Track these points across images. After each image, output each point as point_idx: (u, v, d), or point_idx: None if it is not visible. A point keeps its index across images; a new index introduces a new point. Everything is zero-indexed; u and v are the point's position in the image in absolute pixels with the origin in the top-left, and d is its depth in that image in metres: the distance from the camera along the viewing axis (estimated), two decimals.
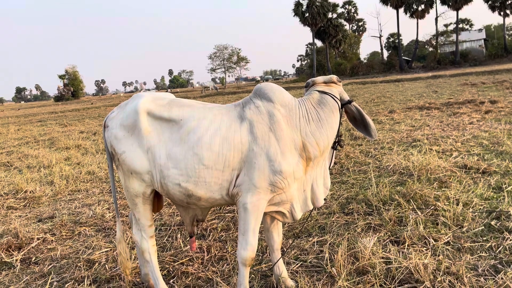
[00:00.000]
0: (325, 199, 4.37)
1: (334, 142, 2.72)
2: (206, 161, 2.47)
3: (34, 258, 3.87)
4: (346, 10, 70.52)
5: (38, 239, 4.26)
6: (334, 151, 2.79)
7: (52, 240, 4.28)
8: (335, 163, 6.44)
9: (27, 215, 5.18)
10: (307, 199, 2.70)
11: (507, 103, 11.38)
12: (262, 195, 2.49)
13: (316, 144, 2.57)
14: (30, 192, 6.13)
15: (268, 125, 2.51)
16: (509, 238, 3.37)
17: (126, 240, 4.05)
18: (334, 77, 2.82)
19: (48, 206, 5.55)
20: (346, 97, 2.76)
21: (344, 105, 2.75)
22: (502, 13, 54.00)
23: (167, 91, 2.90)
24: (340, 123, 2.72)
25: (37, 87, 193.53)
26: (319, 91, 2.73)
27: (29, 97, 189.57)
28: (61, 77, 76.52)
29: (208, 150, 2.48)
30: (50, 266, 3.67)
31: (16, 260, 3.80)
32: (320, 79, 2.83)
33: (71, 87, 75.84)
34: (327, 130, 2.63)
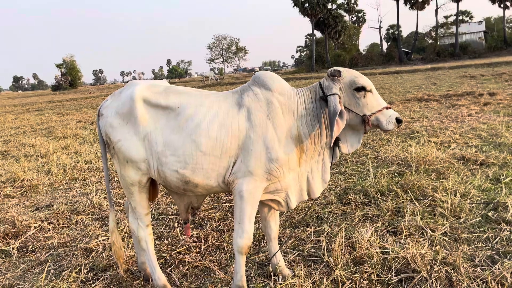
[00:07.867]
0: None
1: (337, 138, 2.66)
2: (203, 148, 2.46)
3: (31, 246, 3.86)
4: (346, 1, 69.90)
5: (35, 227, 4.26)
6: (337, 147, 2.73)
7: (49, 228, 4.27)
8: None
9: (24, 204, 5.17)
10: (302, 190, 2.70)
11: (505, 95, 11.37)
12: (258, 183, 2.49)
13: (309, 136, 2.56)
14: (27, 181, 6.11)
15: (266, 113, 2.50)
16: (506, 229, 3.38)
17: (123, 229, 4.04)
18: (336, 71, 2.73)
19: (45, 194, 5.54)
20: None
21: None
22: (502, 5, 53.70)
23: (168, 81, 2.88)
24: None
25: (35, 76, 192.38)
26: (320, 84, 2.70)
27: (26, 86, 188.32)
28: (58, 66, 76.03)
29: (206, 137, 2.47)
30: (47, 254, 3.67)
31: (13, 248, 3.80)
32: (332, 71, 2.69)
33: (69, 76, 75.37)
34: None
